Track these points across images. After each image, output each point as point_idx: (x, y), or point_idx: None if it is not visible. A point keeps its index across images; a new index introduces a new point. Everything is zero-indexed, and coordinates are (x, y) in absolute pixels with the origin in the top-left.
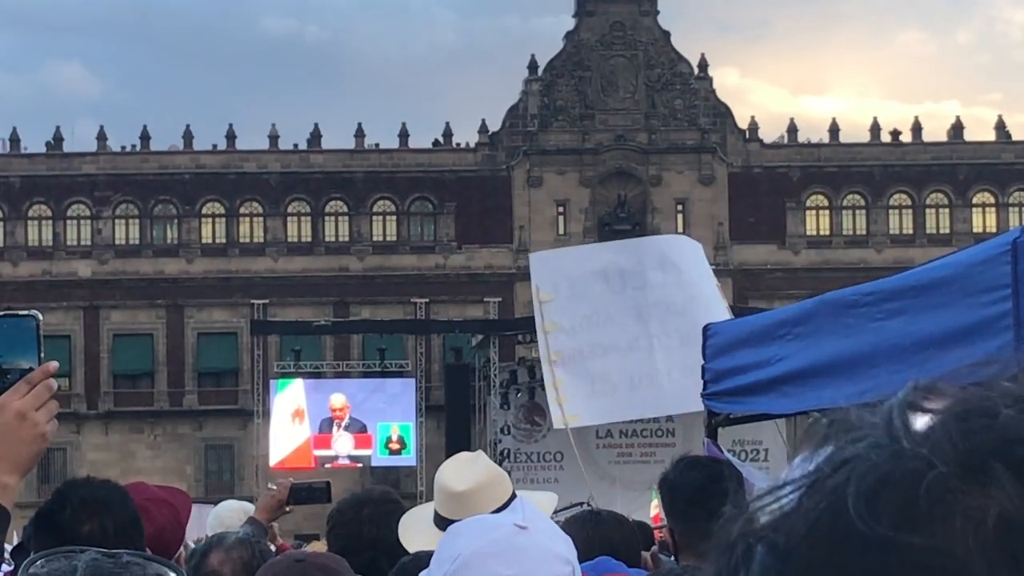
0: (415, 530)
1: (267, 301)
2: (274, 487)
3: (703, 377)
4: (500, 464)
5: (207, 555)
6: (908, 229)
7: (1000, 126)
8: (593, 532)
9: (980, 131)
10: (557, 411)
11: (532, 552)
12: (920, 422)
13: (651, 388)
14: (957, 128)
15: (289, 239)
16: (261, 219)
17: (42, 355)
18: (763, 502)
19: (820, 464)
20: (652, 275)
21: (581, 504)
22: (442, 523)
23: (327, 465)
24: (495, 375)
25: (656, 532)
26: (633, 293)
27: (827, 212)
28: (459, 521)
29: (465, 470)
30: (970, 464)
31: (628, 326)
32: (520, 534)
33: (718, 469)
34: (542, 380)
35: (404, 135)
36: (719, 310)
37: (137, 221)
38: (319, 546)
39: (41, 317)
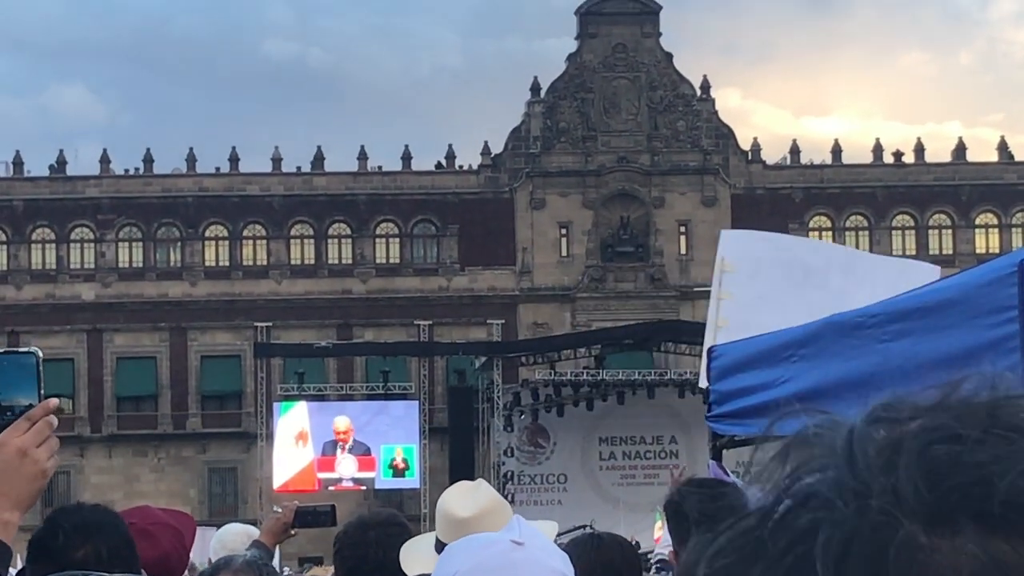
0: (416, 556)
1: (270, 324)
2: (279, 510)
3: (707, 399)
4: (504, 486)
5: None
6: (911, 250)
7: (1003, 147)
8: (595, 555)
9: (982, 152)
10: (705, 376)
11: (529, 567)
12: (882, 450)
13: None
14: (960, 149)
15: (292, 262)
16: (264, 242)
17: (42, 392)
18: (726, 533)
19: (780, 491)
20: (835, 280)
21: (583, 527)
22: (443, 549)
23: (331, 488)
24: (498, 397)
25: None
26: (812, 292)
27: (830, 233)
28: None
29: (468, 497)
30: (937, 517)
31: (798, 320)
32: (517, 550)
33: (724, 491)
34: (545, 401)
35: (407, 157)
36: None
37: (140, 244)
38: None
39: (41, 354)
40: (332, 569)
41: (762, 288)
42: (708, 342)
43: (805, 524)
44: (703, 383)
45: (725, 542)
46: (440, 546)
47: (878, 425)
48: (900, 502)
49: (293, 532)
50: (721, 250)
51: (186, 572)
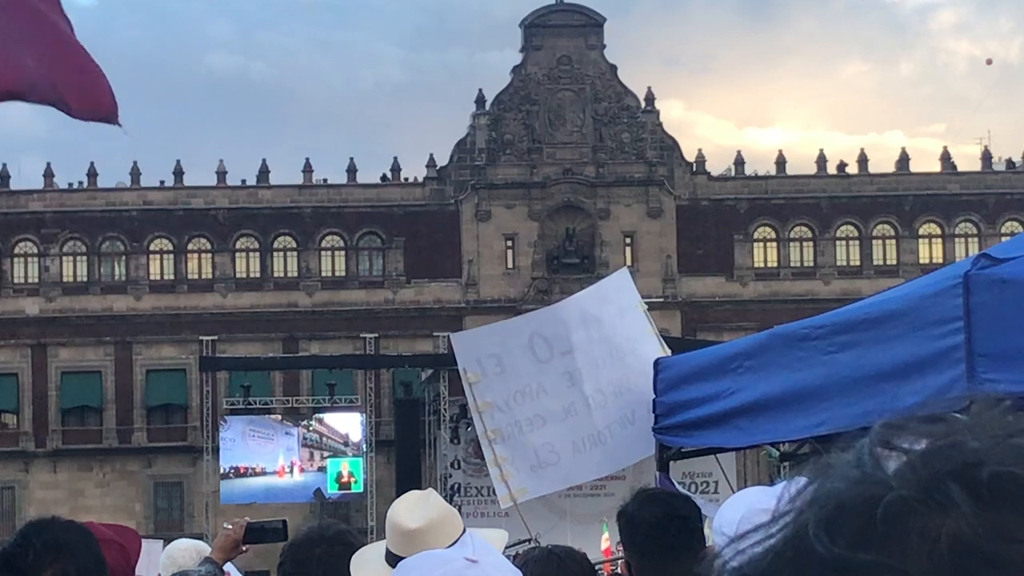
0: (366, 568)
1: (216, 337)
2: (230, 526)
3: (655, 411)
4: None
5: None
6: (855, 260)
7: (945, 157)
8: (557, 570)
9: (923, 162)
10: (503, 489)
11: None
12: (889, 458)
13: (595, 449)
14: (903, 159)
15: (238, 275)
16: (209, 255)
17: None
18: (739, 544)
19: (795, 503)
20: (576, 336)
21: (527, 541)
22: (394, 560)
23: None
24: (445, 409)
25: (607, 565)
26: (562, 359)
27: (774, 244)
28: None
29: (417, 508)
30: (929, 487)
31: (563, 393)
32: (471, 568)
33: (676, 503)
34: None
35: (352, 170)
36: (647, 346)
37: (85, 258)
38: None
39: None
40: None
41: (516, 383)
42: (488, 459)
43: (808, 513)
44: (502, 502)
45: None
46: (390, 556)
47: (886, 439)
48: (896, 476)
49: (244, 548)
50: (460, 361)
51: None
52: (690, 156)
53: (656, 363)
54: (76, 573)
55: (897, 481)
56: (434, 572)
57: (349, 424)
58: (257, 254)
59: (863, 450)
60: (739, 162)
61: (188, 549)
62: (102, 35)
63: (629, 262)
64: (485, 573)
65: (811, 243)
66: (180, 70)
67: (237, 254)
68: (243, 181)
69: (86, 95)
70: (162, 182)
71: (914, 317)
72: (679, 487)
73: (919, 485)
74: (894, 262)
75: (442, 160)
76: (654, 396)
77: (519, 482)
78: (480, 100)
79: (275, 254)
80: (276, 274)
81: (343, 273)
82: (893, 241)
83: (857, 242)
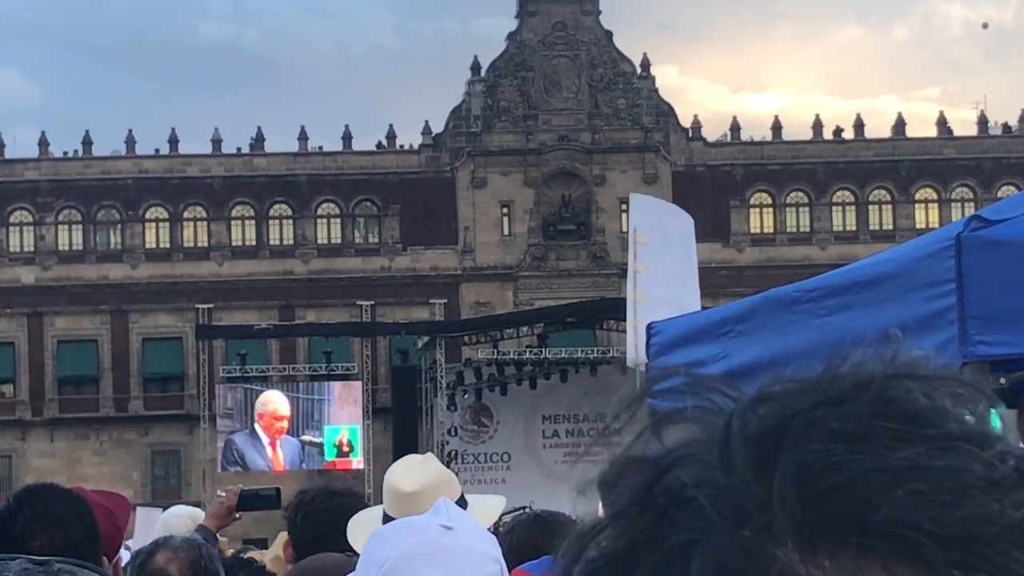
0: (364, 531)
1: (212, 306)
2: (223, 494)
3: (647, 375)
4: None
5: (153, 554)
6: (851, 226)
7: (942, 122)
8: (542, 534)
9: (918, 126)
10: (633, 352)
11: (460, 552)
12: (758, 449)
13: None
14: (899, 125)
15: (233, 243)
16: (205, 223)
17: None
18: (593, 530)
19: (652, 478)
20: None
21: (523, 508)
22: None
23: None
24: (442, 377)
25: None
26: (691, 263)
27: (771, 210)
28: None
29: (414, 471)
30: (812, 541)
31: (694, 290)
32: (446, 535)
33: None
34: (488, 381)
35: (347, 137)
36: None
37: (80, 227)
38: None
39: None
40: (270, 551)
41: (671, 262)
42: (629, 317)
43: (680, 542)
44: (631, 362)
45: (600, 547)
46: (387, 519)
47: (758, 409)
48: (773, 521)
49: (237, 516)
50: (633, 219)
51: (120, 552)
52: (686, 122)
53: (648, 327)
54: (65, 544)
55: (776, 532)
56: (410, 540)
57: (345, 392)
58: (253, 222)
59: (735, 435)
60: (735, 128)
61: (183, 516)
62: (95, 4)
63: (625, 229)
64: (461, 540)
65: (807, 208)
66: (173, 38)
67: (233, 222)
68: (238, 149)
69: None
70: (157, 150)
71: (906, 279)
72: None
73: (803, 542)
74: (890, 227)
75: (437, 127)
76: (646, 360)
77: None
78: (475, 67)
79: (271, 222)
80: (272, 242)
81: (339, 241)
82: (889, 206)
83: (853, 207)
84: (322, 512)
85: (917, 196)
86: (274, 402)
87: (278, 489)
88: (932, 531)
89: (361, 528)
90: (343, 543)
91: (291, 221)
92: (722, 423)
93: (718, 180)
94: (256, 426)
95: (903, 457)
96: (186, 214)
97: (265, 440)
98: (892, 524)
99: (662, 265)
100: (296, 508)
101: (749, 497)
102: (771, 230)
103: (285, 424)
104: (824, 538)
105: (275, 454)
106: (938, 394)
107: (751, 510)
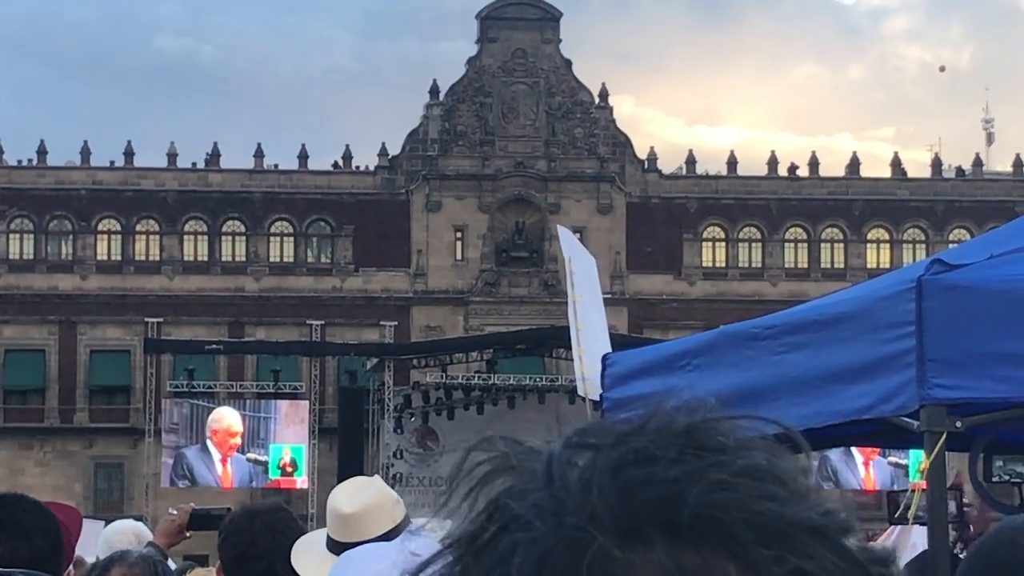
0: (308, 555)
1: (161, 320)
2: (175, 512)
3: (602, 407)
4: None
5: (109, 568)
6: (803, 263)
7: (896, 163)
8: None
9: (872, 166)
10: (581, 383)
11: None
12: (580, 472)
13: None
14: (853, 164)
15: (185, 258)
16: (157, 237)
17: None
18: (437, 561)
19: (484, 517)
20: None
21: None
22: (334, 546)
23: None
24: (389, 399)
25: None
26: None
27: (723, 244)
28: (351, 548)
29: (356, 493)
30: (630, 531)
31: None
32: (416, 561)
33: None
34: (435, 404)
35: (303, 156)
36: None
37: (32, 236)
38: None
39: None
40: (215, 569)
41: (591, 292)
42: (574, 345)
43: (506, 546)
44: (580, 391)
45: (436, 571)
46: (331, 542)
47: (576, 450)
48: (595, 518)
49: (188, 535)
50: (565, 250)
51: (71, 567)
52: (642, 153)
53: (604, 358)
54: (28, 555)
55: (596, 524)
56: (377, 564)
57: (292, 411)
58: (205, 237)
59: (553, 463)
60: (690, 161)
61: (125, 531)
62: (51, 16)
63: None
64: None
65: (760, 244)
66: (130, 51)
67: (185, 237)
68: (193, 164)
69: None
70: (112, 162)
71: (866, 320)
72: None
73: (618, 528)
74: (842, 266)
75: (394, 149)
76: (601, 392)
77: (593, 381)
78: (434, 90)
79: (223, 238)
80: (224, 258)
81: (291, 259)
82: (841, 245)
83: (806, 245)
84: (244, 532)
85: (869, 236)
86: (227, 419)
87: (229, 508)
88: (741, 516)
89: (304, 553)
90: (263, 562)
91: (244, 238)
92: (544, 461)
93: (672, 212)
94: (208, 442)
95: (710, 464)
96: (139, 227)
97: (217, 456)
98: (703, 507)
99: (587, 295)
100: (220, 530)
101: (571, 503)
102: (723, 264)
103: (239, 440)
104: (641, 528)
105: (225, 471)
106: (741, 433)
107: (571, 507)
